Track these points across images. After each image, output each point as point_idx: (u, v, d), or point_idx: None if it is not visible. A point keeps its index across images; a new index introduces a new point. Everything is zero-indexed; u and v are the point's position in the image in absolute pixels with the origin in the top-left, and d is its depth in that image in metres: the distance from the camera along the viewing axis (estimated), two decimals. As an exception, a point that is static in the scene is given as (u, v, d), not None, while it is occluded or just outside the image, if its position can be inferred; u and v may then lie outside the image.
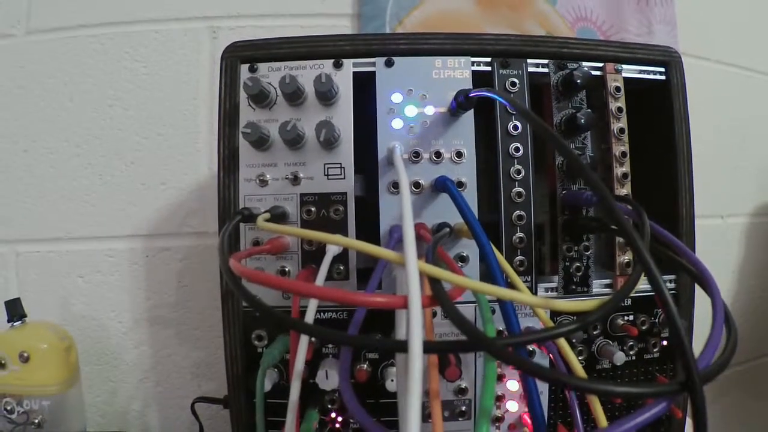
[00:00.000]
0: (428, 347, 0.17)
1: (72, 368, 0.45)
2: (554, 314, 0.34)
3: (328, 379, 0.31)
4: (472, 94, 0.30)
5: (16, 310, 0.44)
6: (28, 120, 0.56)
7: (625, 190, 0.36)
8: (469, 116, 0.34)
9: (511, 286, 0.28)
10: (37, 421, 0.42)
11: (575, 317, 0.19)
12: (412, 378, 0.16)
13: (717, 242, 0.70)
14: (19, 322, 0.44)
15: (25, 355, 0.41)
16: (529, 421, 0.35)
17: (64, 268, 0.55)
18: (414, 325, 0.16)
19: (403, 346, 0.17)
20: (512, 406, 0.35)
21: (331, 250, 0.30)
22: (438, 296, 0.19)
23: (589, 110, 0.35)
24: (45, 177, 0.56)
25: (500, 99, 0.28)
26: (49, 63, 0.56)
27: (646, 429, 0.37)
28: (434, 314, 0.32)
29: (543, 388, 0.35)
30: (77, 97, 0.56)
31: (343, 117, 0.34)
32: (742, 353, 0.73)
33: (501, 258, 0.27)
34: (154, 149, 0.56)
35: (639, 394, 0.16)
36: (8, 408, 0.42)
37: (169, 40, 0.56)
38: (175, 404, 0.56)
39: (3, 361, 0.41)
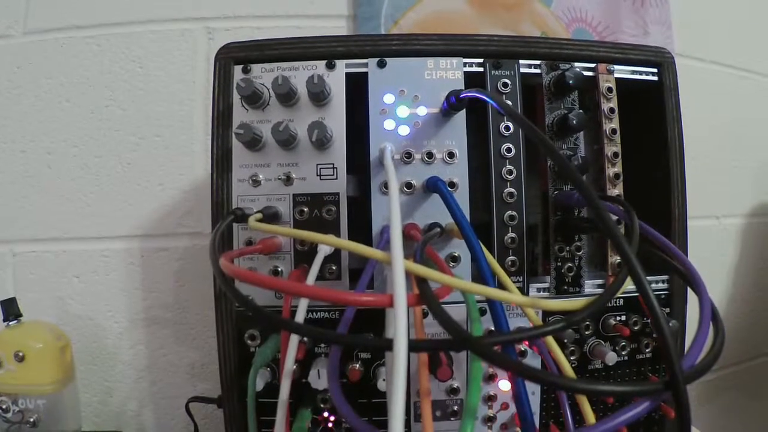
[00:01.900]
0: (413, 346, 0.17)
1: (67, 368, 0.45)
2: (547, 314, 0.34)
3: (321, 378, 0.31)
4: (462, 95, 0.30)
5: (11, 310, 0.44)
6: (25, 120, 0.56)
7: (617, 191, 0.36)
8: (461, 117, 0.34)
9: (501, 286, 0.28)
10: (32, 420, 0.42)
11: (564, 317, 0.19)
12: (396, 375, 0.16)
13: (712, 243, 0.70)
14: (15, 321, 0.44)
15: (21, 354, 0.41)
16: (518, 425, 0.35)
17: (60, 268, 0.56)
18: (399, 323, 0.16)
19: (389, 345, 0.17)
20: (505, 406, 0.35)
21: (323, 250, 0.30)
22: (424, 295, 0.19)
23: (581, 111, 0.35)
24: (42, 177, 0.56)
25: (489, 100, 0.28)
26: (47, 63, 0.56)
27: (639, 429, 0.37)
28: (425, 314, 0.32)
29: (535, 388, 0.35)
30: (74, 98, 0.56)
31: (336, 118, 0.34)
32: (739, 353, 0.73)
33: (491, 258, 0.27)
34: (150, 150, 0.56)
35: (621, 393, 0.17)
36: (3, 407, 0.42)
37: (166, 41, 0.57)
38: (170, 404, 0.57)
39: (-2, 361, 0.42)
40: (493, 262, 0.26)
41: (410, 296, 0.19)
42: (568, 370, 0.25)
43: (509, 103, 0.35)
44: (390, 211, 0.21)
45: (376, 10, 0.57)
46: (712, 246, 0.70)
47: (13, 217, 0.56)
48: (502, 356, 0.15)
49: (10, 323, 0.44)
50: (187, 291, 0.56)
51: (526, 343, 0.33)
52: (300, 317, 0.25)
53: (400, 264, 0.18)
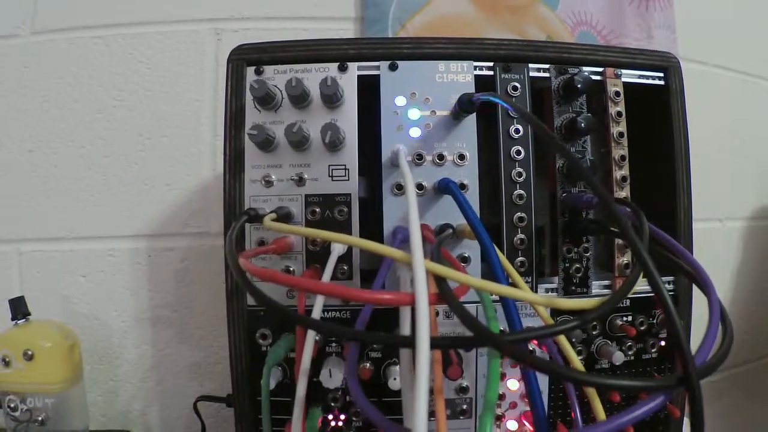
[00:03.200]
0: (435, 343, 0.18)
1: (75, 366, 0.45)
2: (554, 315, 0.34)
3: (332, 377, 0.32)
4: (475, 98, 0.31)
5: (20, 309, 0.44)
6: (33, 120, 0.56)
7: (624, 193, 0.36)
8: (471, 120, 0.35)
9: (513, 286, 0.29)
10: (40, 418, 0.42)
11: (574, 316, 0.20)
12: (419, 371, 0.16)
13: (716, 246, 0.71)
14: (24, 320, 0.44)
15: (29, 353, 0.42)
16: (527, 423, 0.35)
17: (67, 268, 0.56)
18: (422, 320, 0.17)
19: (411, 342, 0.17)
20: (513, 405, 0.35)
21: (336, 250, 0.30)
22: (444, 294, 0.19)
23: (589, 114, 0.35)
24: (49, 177, 0.56)
25: (503, 103, 0.28)
26: (55, 64, 0.57)
27: (645, 428, 0.38)
28: (436, 314, 0.33)
29: (543, 387, 0.36)
30: (82, 98, 0.57)
31: (348, 119, 0.35)
32: (742, 355, 0.74)
33: (503, 258, 0.28)
34: (157, 150, 0.57)
35: (637, 388, 0.17)
36: (12, 405, 0.42)
37: (174, 42, 0.57)
38: (176, 403, 0.57)
39: (7, 359, 0.42)
40: (505, 262, 0.27)
41: (430, 295, 0.19)
42: (579, 367, 0.25)
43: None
44: (408, 210, 0.21)
45: (384, 13, 0.57)
46: (715, 248, 0.71)
47: (20, 216, 0.56)
48: (526, 352, 0.16)
49: (19, 322, 0.44)
50: (194, 291, 0.56)
51: (535, 342, 0.34)
52: (316, 315, 0.25)
53: (421, 262, 0.18)
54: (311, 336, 0.25)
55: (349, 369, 0.20)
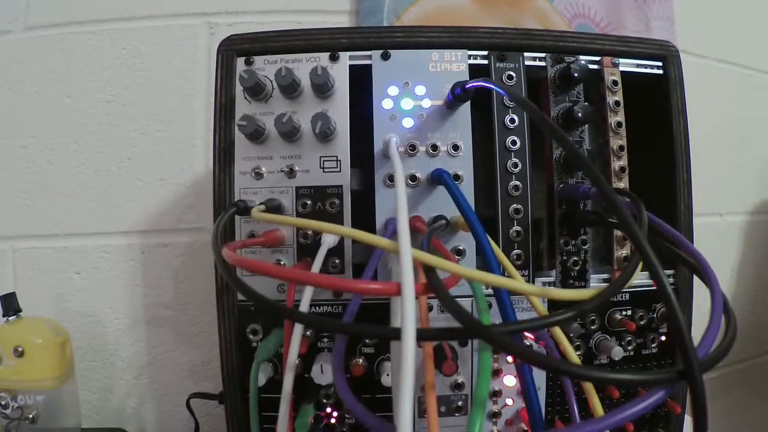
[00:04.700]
0: (422, 335, 0.17)
1: (67, 363, 0.44)
2: (551, 308, 0.34)
3: (324, 373, 0.31)
4: (468, 86, 0.30)
5: (11, 305, 0.44)
6: (26, 116, 0.56)
7: (622, 184, 0.36)
8: (465, 109, 0.34)
9: (508, 277, 0.28)
10: (31, 416, 0.41)
11: (570, 308, 0.19)
12: (404, 364, 0.15)
13: (716, 240, 0.70)
14: (15, 316, 0.43)
15: (20, 349, 0.41)
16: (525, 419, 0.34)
17: (60, 264, 0.55)
18: (407, 309, 0.16)
19: (397, 333, 0.16)
20: (509, 402, 0.35)
21: (326, 243, 0.29)
22: (432, 284, 0.18)
23: (586, 104, 0.34)
24: (42, 173, 0.56)
25: (497, 89, 0.27)
26: (47, 59, 0.56)
27: (645, 425, 0.37)
28: (430, 308, 0.32)
29: (540, 384, 0.35)
30: (75, 93, 0.56)
31: (339, 110, 0.34)
32: (742, 351, 0.73)
33: (497, 248, 0.27)
34: (151, 145, 0.56)
35: (636, 382, 0.16)
36: (2, 403, 0.41)
37: (167, 36, 0.56)
38: (171, 401, 0.56)
39: (-2, 356, 0.41)
40: (499, 253, 0.26)
41: (418, 285, 0.18)
42: (576, 360, 0.24)
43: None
44: (397, 198, 0.20)
45: (378, 6, 0.57)
46: (715, 243, 0.70)
47: (14, 213, 0.55)
48: (516, 345, 0.15)
49: (10, 318, 0.43)
50: (188, 287, 0.56)
51: (532, 338, 0.33)
52: (304, 308, 0.25)
53: (407, 250, 0.18)
54: (299, 329, 0.24)
55: (335, 362, 0.20)
